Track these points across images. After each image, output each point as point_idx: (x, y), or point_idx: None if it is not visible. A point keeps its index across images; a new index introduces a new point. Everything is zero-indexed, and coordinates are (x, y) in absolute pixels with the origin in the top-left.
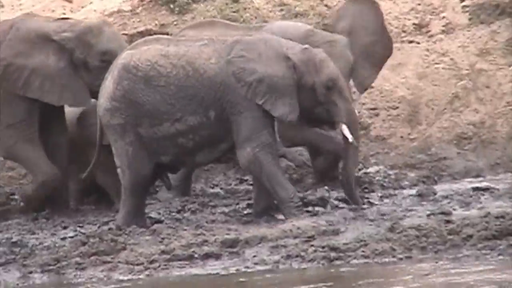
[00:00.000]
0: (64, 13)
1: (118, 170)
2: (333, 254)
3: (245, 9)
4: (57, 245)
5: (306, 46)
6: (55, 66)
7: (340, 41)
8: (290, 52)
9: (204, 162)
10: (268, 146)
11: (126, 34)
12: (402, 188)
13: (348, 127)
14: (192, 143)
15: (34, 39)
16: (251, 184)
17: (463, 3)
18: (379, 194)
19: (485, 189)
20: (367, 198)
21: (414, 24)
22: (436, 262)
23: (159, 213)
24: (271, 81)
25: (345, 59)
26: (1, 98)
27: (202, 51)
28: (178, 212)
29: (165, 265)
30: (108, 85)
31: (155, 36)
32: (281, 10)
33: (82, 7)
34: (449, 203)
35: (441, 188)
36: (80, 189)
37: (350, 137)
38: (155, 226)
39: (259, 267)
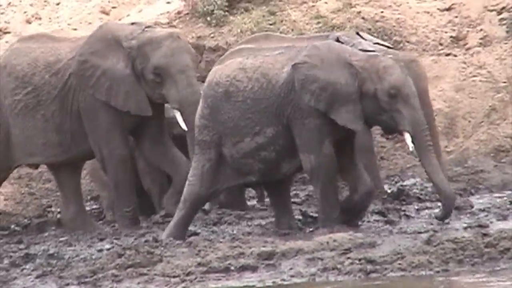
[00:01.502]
0: None
1: (187, 182)
2: (369, 267)
3: (281, 21)
4: (93, 257)
5: (374, 53)
6: (122, 72)
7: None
8: (353, 58)
9: (290, 171)
10: (330, 158)
11: None
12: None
13: (414, 136)
14: (274, 154)
15: (110, 40)
16: None
17: (500, 16)
18: (416, 207)
19: None
20: (404, 210)
21: (451, 36)
22: (473, 275)
23: (195, 225)
24: (334, 89)
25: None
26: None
27: (276, 60)
28: (215, 224)
29: (202, 277)
30: (200, 103)
31: (240, 47)
32: (318, 22)
33: (120, 19)
34: (486, 216)
35: (478, 201)
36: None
37: (411, 147)
38: (192, 238)
39: (295, 280)
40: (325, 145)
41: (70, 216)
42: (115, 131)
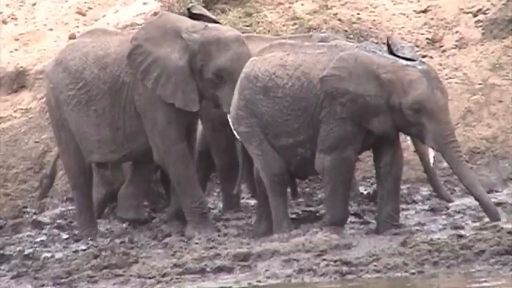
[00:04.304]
0: (77, 26)
1: (261, 175)
2: (345, 268)
3: (258, 23)
4: (69, 258)
5: (405, 63)
6: (175, 63)
7: None
8: (381, 71)
9: None
10: (348, 162)
11: None
12: (415, 202)
13: (440, 151)
14: (310, 153)
15: (168, 30)
16: None
17: (476, 18)
18: None
19: (498, 204)
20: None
21: (427, 38)
22: (448, 277)
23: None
24: (364, 101)
25: None
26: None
27: (318, 60)
28: None
29: (177, 278)
30: (235, 94)
31: (280, 41)
32: (294, 24)
33: (96, 20)
34: (461, 218)
35: (453, 203)
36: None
37: (431, 162)
38: (167, 239)
39: (271, 281)
40: (348, 150)
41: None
42: (172, 127)
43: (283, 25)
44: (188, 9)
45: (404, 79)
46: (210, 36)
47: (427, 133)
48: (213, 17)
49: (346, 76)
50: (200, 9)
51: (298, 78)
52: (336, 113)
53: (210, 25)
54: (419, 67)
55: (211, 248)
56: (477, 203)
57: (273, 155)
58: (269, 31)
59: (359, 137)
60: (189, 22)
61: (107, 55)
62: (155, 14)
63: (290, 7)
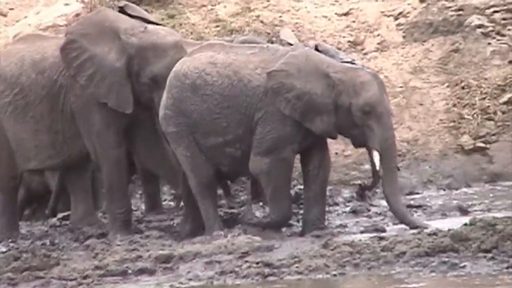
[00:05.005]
0: None
1: (188, 178)
2: (267, 270)
3: (180, 24)
4: None
5: (354, 66)
6: (112, 63)
7: None
8: (330, 70)
9: None
10: (287, 162)
11: None
12: (336, 204)
13: (382, 155)
14: (240, 153)
15: (106, 28)
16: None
17: (397, 21)
18: None
19: (418, 206)
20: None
21: (349, 41)
22: (369, 279)
23: (93, 228)
24: (309, 98)
25: None
26: None
27: (249, 60)
28: None
29: (99, 280)
30: (164, 94)
31: (210, 42)
32: (217, 26)
33: (17, 21)
34: (382, 219)
35: (374, 205)
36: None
37: (377, 166)
38: (89, 241)
39: (193, 283)
40: (286, 150)
41: (79, 216)
42: (109, 131)
43: (206, 27)
44: (120, 7)
45: (356, 80)
46: (148, 41)
47: (373, 136)
48: (149, 16)
49: (294, 72)
50: (134, 9)
51: (228, 76)
52: (274, 114)
53: (150, 27)
54: (368, 70)
55: (133, 250)
56: None
57: (202, 158)
58: (191, 33)
59: (298, 137)
60: (128, 22)
61: (44, 59)
62: (77, 15)
63: (212, 9)
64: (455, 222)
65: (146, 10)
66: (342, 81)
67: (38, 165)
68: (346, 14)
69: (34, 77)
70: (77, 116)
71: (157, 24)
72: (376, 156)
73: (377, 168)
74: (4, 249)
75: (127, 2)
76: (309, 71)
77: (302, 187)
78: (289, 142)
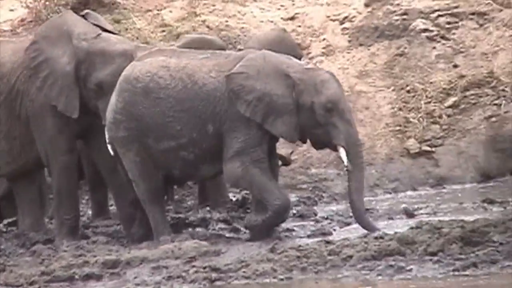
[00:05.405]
0: None
1: (134, 184)
2: (214, 275)
3: (126, 29)
4: None
5: (311, 66)
6: (63, 67)
7: None
8: (290, 70)
9: (210, 175)
10: (259, 162)
11: None
12: None
13: (348, 151)
14: (193, 156)
15: (63, 32)
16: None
17: (343, 26)
18: None
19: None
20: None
21: None
22: (316, 283)
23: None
24: (270, 100)
25: None
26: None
27: (203, 64)
28: None
29: (45, 286)
30: (112, 98)
31: (160, 48)
32: (163, 31)
33: None
34: (329, 223)
35: (321, 209)
36: None
37: (345, 162)
38: (35, 247)
39: None
40: (257, 151)
41: (26, 228)
42: (60, 137)
43: (152, 32)
44: (82, 15)
45: (316, 78)
46: (97, 47)
47: (338, 133)
48: (109, 26)
49: (254, 74)
50: (96, 18)
51: (182, 79)
52: (237, 120)
53: (103, 34)
54: (325, 70)
55: (80, 255)
56: (343, 208)
57: (151, 163)
58: (137, 38)
59: (267, 136)
60: (83, 27)
61: (2, 65)
62: (22, 20)
63: (158, 14)
64: (402, 226)
65: None
66: (303, 81)
67: None
68: (291, 18)
69: None
70: (31, 121)
71: (115, 33)
72: (342, 152)
73: (345, 163)
74: None
75: (89, 11)
76: (269, 72)
77: (246, 192)
78: (258, 144)
